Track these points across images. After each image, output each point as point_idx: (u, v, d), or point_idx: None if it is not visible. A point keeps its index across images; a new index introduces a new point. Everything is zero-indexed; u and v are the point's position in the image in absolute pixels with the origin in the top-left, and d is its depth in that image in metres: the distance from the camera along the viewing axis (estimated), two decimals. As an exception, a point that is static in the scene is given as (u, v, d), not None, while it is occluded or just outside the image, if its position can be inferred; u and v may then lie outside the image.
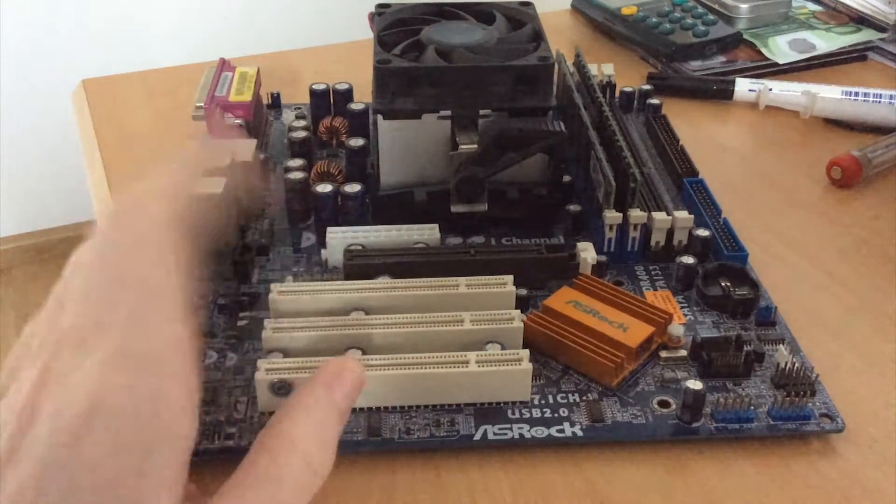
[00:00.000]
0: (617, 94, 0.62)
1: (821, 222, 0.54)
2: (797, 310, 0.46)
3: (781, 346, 0.42)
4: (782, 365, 0.40)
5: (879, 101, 0.63)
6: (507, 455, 0.38)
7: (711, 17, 0.75)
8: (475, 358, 0.38)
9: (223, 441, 0.37)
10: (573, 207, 0.50)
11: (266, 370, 0.37)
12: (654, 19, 0.74)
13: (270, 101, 0.64)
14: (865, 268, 0.50)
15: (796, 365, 0.40)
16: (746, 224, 0.51)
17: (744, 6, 0.76)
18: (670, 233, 0.47)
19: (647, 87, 0.63)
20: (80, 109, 0.66)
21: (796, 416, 0.38)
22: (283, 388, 0.38)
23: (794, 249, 0.51)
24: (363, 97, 0.57)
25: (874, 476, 0.37)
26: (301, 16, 1.54)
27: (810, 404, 0.39)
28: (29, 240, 1.61)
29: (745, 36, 0.74)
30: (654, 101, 0.61)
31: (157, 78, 0.70)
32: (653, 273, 0.47)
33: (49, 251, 1.61)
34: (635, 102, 0.63)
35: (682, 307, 0.45)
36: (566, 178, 0.51)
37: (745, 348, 0.41)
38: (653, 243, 0.48)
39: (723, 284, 0.45)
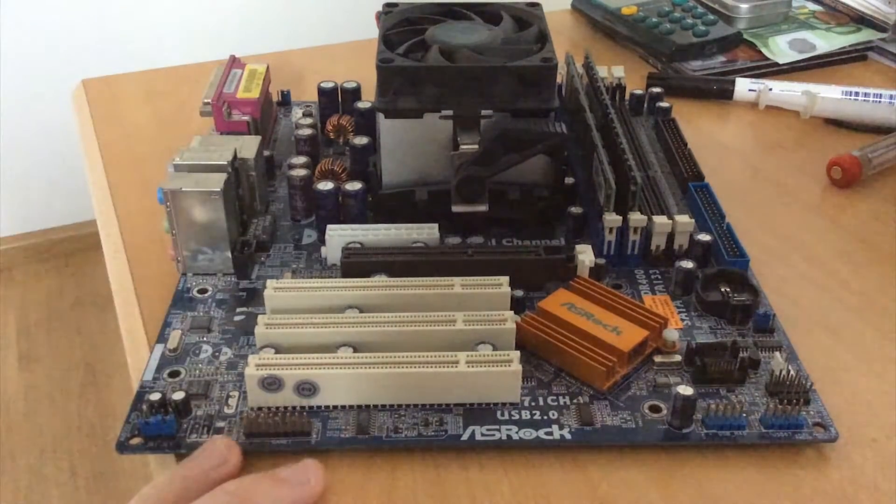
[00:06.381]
0: (627, 96, 0.62)
1: (821, 222, 0.53)
2: (797, 310, 0.46)
3: (777, 353, 0.41)
4: (777, 373, 0.40)
5: (879, 101, 0.62)
6: (507, 455, 0.38)
7: (711, 17, 0.74)
8: (465, 358, 0.38)
9: (212, 435, 0.37)
10: (575, 209, 0.49)
11: (256, 366, 0.38)
12: (654, 19, 0.74)
13: (281, 99, 0.64)
14: (865, 268, 0.49)
15: (791, 373, 0.39)
16: (746, 225, 0.51)
17: (744, 6, 0.75)
18: (671, 237, 0.47)
19: (658, 89, 0.62)
20: (80, 109, 0.67)
21: (788, 425, 0.38)
22: (272, 384, 0.38)
23: (794, 250, 0.51)
24: (372, 96, 0.57)
25: (874, 475, 0.37)
26: (310, 14, 1.54)
27: (804, 413, 0.38)
28: (29, 240, 1.62)
29: (745, 36, 0.73)
30: (664, 104, 0.61)
31: (157, 78, 0.70)
32: (652, 277, 0.47)
33: (49, 251, 1.62)
34: (645, 105, 0.62)
35: (679, 312, 0.45)
36: (569, 180, 0.51)
37: (740, 355, 0.40)
38: (653, 247, 0.47)
39: (722, 290, 0.45)
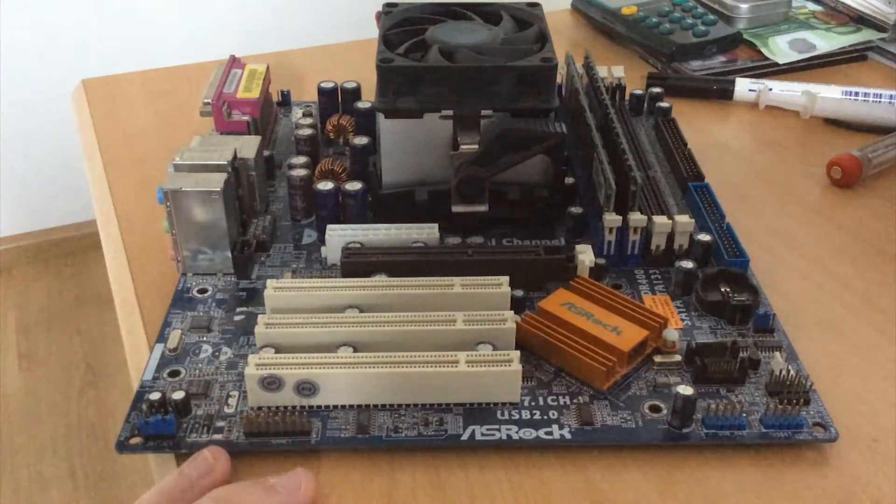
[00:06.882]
0: (627, 96, 0.62)
1: (821, 222, 0.53)
2: (797, 310, 0.46)
3: (777, 353, 0.41)
4: (777, 372, 0.40)
5: (879, 101, 0.63)
6: (506, 455, 0.38)
7: (711, 17, 0.74)
8: (465, 358, 0.38)
9: (212, 435, 0.37)
10: (575, 209, 0.49)
11: (256, 365, 0.38)
12: (654, 19, 0.74)
13: (281, 99, 0.64)
14: (865, 268, 0.49)
15: (791, 373, 0.39)
16: (746, 225, 0.51)
17: (744, 6, 0.75)
18: (671, 237, 0.47)
19: (658, 89, 0.62)
20: (80, 109, 0.67)
21: (789, 425, 0.38)
22: (272, 384, 0.38)
23: (795, 250, 0.51)
24: (372, 96, 0.57)
25: (874, 475, 0.37)
26: (310, 14, 1.54)
27: (804, 413, 0.38)
28: (29, 240, 1.62)
29: (745, 36, 0.73)
30: (664, 104, 0.61)
31: (156, 78, 0.70)
32: (652, 277, 0.47)
33: (49, 251, 1.62)
34: (645, 105, 0.62)
35: (679, 312, 0.45)
36: (569, 180, 0.51)
37: (740, 355, 0.40)
38: (653, 247, 0.47)
39: (722, 290, 0.45)
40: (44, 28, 1.45)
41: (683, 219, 0.47)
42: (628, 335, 0.41)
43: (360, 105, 0.58)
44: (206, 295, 0.46)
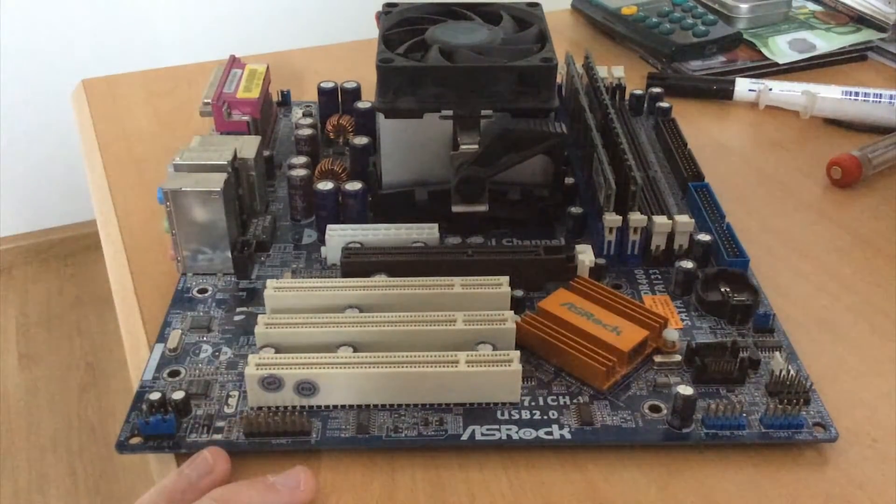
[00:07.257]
0: (627, 96, 0.62)
1: (821, 222, 0.53)
2: (797, 311, 0.46)
3: (777, 353, 0.41)
4: (777, 372, 0.40)
5: (879, 101, 0.63)
6: (507, 455, 0.38)
7: (711, 17, 0.74)
8: (465, 358, 0.38)
9: (212, 435, 0.37)
10: (575, 209, 0.49)
11: (256, 365, 0.38)
12: (654, 19, 0.74)
13: (281, 99, 0.64)
14: (865, 267, 0.49)
15: (791, 373, 0.39)
16: (746, 225, 0.51)
17: (744, 6, 0.76)
18: (671, 237, 0.47)
19: (658, 89, 0.62)
20: (80, 109, 0.67)
21: (789, 425, 0.38)
22: (272, 384, 0.38)
23: (795, 250, 0.51)
24: (372, 96, 0.57)
25: (874, 475, 0.37)
26: (310, 14, 1.55)
27: (804, 413, 0.38)
28: (29, 240, 1.62)
29: (745, 36, 0.74)
30: (664, 104, 0.61)
31: (156, 78, 0.70)
32: (652, 277, 0.47)
33: (49, 251, 1.62)
34: (645, 105, 0.62)
35: (679, 312, 0.45)
36: (569, 180, 0.51)
37: (740, 355, 0.40)
38: (653, 247, 0.47)
39: (722, 290, 0.45)
40: (44, 28, 1.45)
41: (683, 219, 0.47)
42: (628, 335, 0.41)
43: (360, 105, 0.58)
44: (206, 295, 0.46)
